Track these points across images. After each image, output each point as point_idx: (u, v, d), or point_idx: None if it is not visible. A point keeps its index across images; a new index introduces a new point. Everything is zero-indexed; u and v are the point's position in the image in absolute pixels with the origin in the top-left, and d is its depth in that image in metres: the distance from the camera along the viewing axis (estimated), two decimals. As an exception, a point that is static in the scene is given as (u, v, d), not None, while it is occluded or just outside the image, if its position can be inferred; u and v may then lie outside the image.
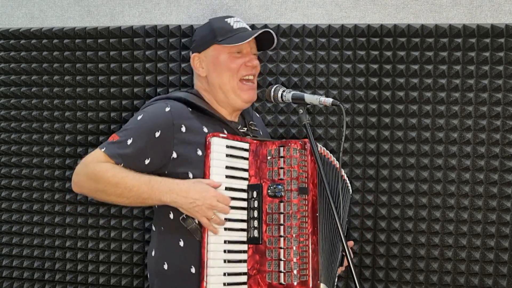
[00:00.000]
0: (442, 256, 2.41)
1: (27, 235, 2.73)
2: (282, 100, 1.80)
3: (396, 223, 2.44)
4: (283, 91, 1.80)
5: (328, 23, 2.44)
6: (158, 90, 2.56)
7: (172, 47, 2.55)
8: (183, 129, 1.71)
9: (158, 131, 1.68)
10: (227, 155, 1.69)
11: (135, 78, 2.59)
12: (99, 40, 2.60)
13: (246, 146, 1.74)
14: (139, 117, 1.72)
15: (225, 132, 1.79)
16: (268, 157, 1.70)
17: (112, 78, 2.61)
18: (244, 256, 1.67)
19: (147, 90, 2.57)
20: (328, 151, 1.86)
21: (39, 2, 2.71)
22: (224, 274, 1.63)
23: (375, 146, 2.44)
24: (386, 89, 2.42)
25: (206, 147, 1.68)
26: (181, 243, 1.70)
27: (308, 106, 1.76)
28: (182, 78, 2.55)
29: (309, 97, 1.73)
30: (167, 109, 1.71)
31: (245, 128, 1.86)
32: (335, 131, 2.46)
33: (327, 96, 1.86)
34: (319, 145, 1.79)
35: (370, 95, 2.43)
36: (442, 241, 2.40)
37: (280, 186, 1.66)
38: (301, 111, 1.73)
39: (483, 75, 2.35)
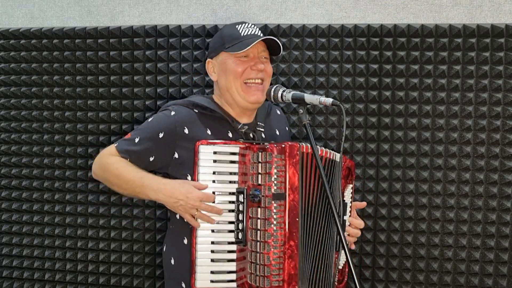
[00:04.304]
0: (442, 256, 2.41)
1: (27, 235, 2.73)
2: (282, 100, 1.81)
3: (396, 223, 2.44)
4: (283, 91, 1.81)
5: (328, 23, 2.44)
6: (158, 90, 2.56)
7: (172, 47, 2.55)
8: (186, 131, 1.82)
9: (162, 132, 1.82)
10: (214, 161, 1.76)
11: (135, 78, 2.59)
12: (99, 40, 2.60)
13: (235, 150, 1.78)
14: (149, 120, 1.90)
15: (230, 134, 1.87)
16: (252, 162, 1.73)
17: (112, 78, 2.61)
18: (232, 256, 1.76)
19: (147, 90, 2.57)
20: (330, 150, 1.86)
21: (39, 2, 2.71)
22: (212, 272, 1.74)
23: (375, 146, 2.44)
24: (386, 89, 2.42)
25: (194, 154, 1.76)
26: (185, 241, 1.82)
27: (308, 106, 1.76)
28: (182, 78, 2.55)
29: (309, 97, 1.73)
30: (172, 113, 1.85)
31: (246, 127, 1.88)
32: (335, 131, 2.46)
33: (327, 96, 1.86)
34: (319, 147, 1.79)
35: (370, 95, 2.43)
36: (442, 241, 2.41)
37: (257, 192, 1.70)
38: (301, 111, 1.75)
39: (483, 75, 2.35)
